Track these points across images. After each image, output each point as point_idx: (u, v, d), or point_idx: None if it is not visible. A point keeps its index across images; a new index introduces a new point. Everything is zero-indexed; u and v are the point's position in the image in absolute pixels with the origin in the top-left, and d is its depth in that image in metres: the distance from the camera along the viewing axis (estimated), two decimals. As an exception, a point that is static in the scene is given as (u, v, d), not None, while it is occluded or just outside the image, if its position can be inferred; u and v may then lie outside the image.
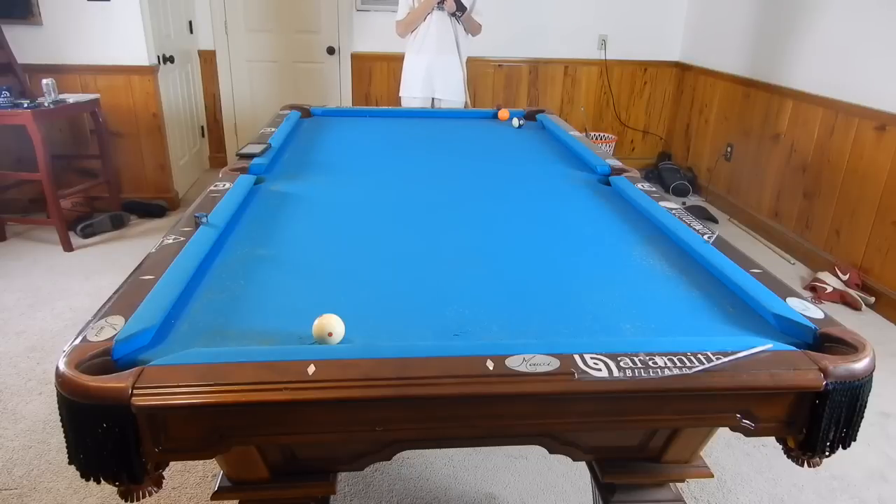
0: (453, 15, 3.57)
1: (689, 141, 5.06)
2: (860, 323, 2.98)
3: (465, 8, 3.55)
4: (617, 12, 4.96)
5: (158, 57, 4.03)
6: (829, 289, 3.19)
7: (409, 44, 3.75)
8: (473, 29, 3.69)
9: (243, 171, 1.93)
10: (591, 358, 0.93)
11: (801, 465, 1.02)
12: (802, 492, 1.95)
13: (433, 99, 3.81)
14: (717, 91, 4.65)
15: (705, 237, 1.46)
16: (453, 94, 3.77)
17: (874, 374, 0.98)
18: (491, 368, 0.91)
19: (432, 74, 3.72)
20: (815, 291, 3.23)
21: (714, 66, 4.69)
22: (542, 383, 0.90)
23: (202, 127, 5.03)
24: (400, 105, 3.94)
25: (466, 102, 3.84)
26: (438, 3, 3.52)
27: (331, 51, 4.89)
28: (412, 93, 3.79)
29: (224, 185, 1.76)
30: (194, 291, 1.19)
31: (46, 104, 3.39)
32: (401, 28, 3.69)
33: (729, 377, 0.93)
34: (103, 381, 0.85)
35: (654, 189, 1.85)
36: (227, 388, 0.87)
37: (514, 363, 0.92)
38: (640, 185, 1.88)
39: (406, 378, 0.89)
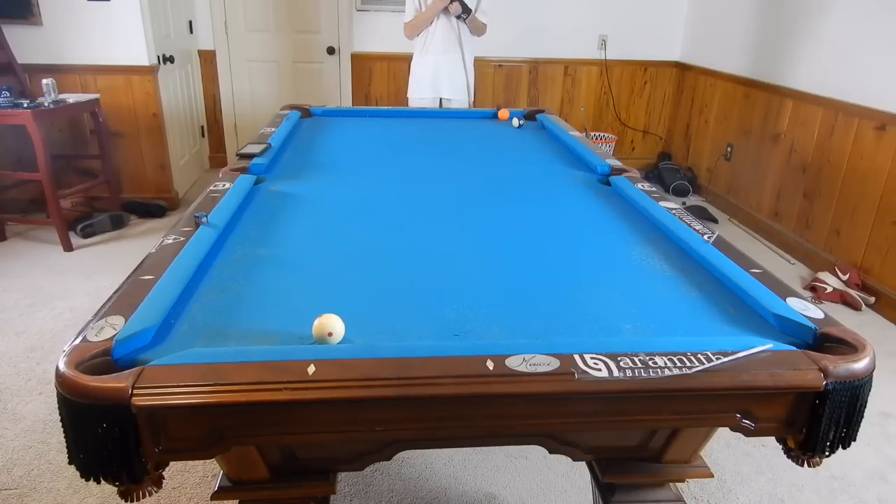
0: (458, 17, 3.57)
1: (689, 141, 5.05)
2: (860, 323, 2.97)
3: (470, 10, 3.55)
4: (617, 12, 4.96)
5: (158, 57, 4.03)
6: (829, 289, 3.19)
7: (416, 45, 3.75)
8: (478, 29, 3.69)
9: (243, 171, 1.93)
10: (591, 358, 0.93)
11: (801, 465, 1.02)
12: (802, 492, 1.95)
13: (441, 99, 3.81)
14: (717, 91, 4.65)
15: (705, 237, 1.46)
16: (460, 93, 3.77)
17: (874, 374, 0.98)
18: (491, 368, 0.91)
19: (438, 75, 3.72)
20: (815, 291, 3.23)
21: (714, 66, 4.69)
22: (542, 383, 0.90)
23: (202, 127, 5.03)
24: (407, 105, 3.93)
25: (470, 102, 3.84)
26: (444, 7, 3.52)
27: (331, 51, 4.89)
28: (420, 94, 3.79)
29: (224, 185, 1.76)
30: (194, 291, 1.19)
31: (46, 104, 3.39)
32: (408, 30, 3.69)
33: (729, 377, 0.93)
34: (103, 381, 0.85)
35: (654, 189, 1.85)
36: (227, 388, 0.87)
37: (514, 363, 0.92)
38: (640, 185, 1.88)
39: (406, 378, 0.89)
